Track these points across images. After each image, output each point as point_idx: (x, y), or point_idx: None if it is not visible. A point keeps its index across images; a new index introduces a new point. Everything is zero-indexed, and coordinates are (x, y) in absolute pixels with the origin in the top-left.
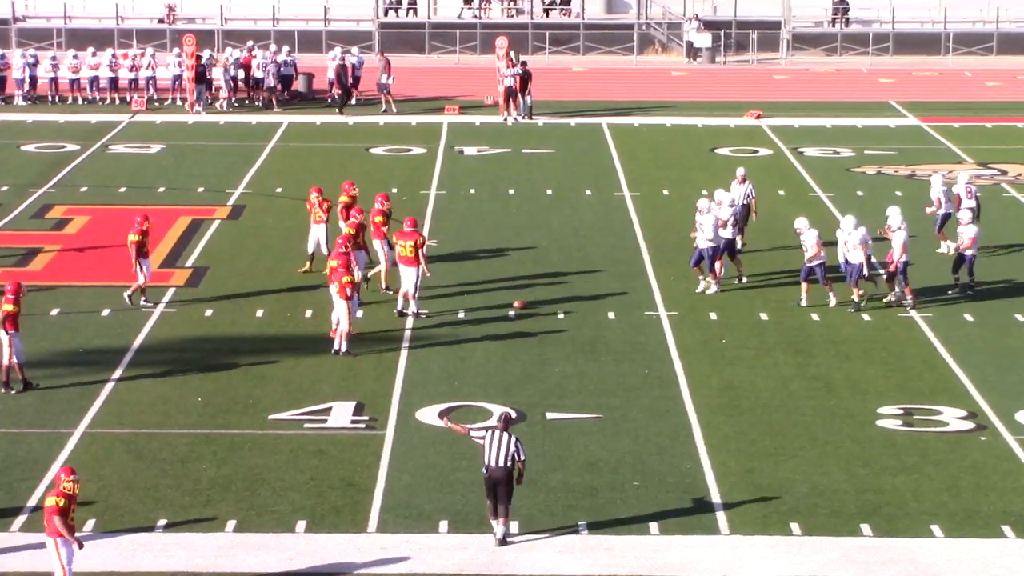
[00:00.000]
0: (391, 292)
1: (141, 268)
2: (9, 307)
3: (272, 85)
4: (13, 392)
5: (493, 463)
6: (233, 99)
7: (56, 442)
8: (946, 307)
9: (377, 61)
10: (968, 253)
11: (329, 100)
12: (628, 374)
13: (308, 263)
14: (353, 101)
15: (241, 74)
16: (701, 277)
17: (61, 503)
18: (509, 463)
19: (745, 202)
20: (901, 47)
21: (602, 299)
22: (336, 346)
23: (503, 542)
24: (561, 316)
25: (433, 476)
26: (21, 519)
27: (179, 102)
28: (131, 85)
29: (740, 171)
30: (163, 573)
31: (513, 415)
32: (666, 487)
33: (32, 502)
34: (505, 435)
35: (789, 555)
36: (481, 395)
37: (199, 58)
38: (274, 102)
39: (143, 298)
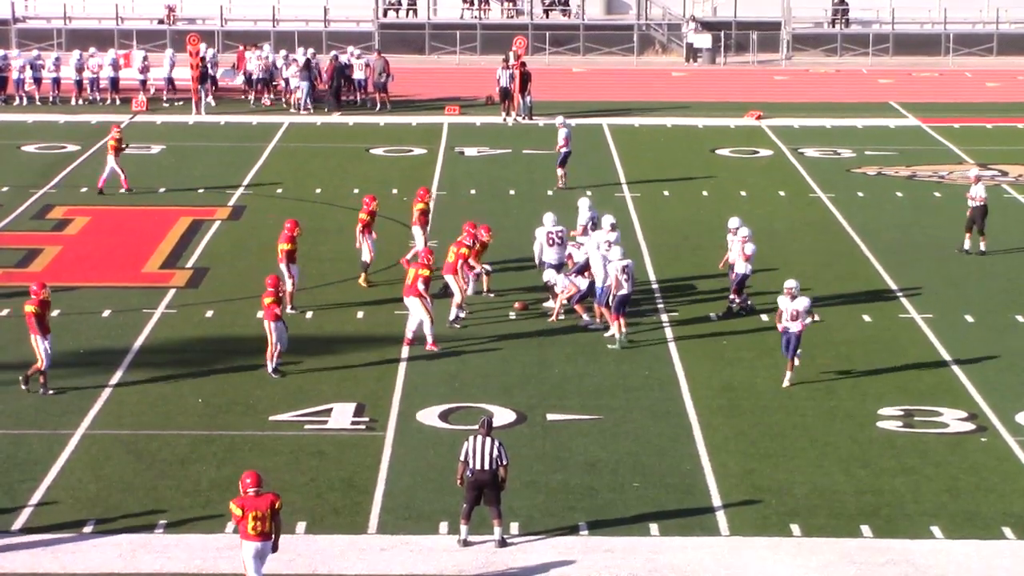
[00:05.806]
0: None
1: (290, 273)
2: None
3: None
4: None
5: (478, 466)
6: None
7: (56, 443)
8: (946, 308)
9: (373, 61)
10: (745, 270)
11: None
12: (628, 375)
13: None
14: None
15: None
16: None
17: None
18: (494, 466)
19: (981, 203)
20: (901, 48)
21: None
22: (273, 366)
23: (502, 543)
24: (562, 316)
25: (433, 477)
26: (21, 519)
27: (179, 103)
28: (142, 85)
29: (972, 172)
30: (163, 574)
31: (494, 419)
32: (666, 488)
33: (32, 502)
34: (488, 439)
35: (789, 556)
36: (481, 396)
37: (203, 59)
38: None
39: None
